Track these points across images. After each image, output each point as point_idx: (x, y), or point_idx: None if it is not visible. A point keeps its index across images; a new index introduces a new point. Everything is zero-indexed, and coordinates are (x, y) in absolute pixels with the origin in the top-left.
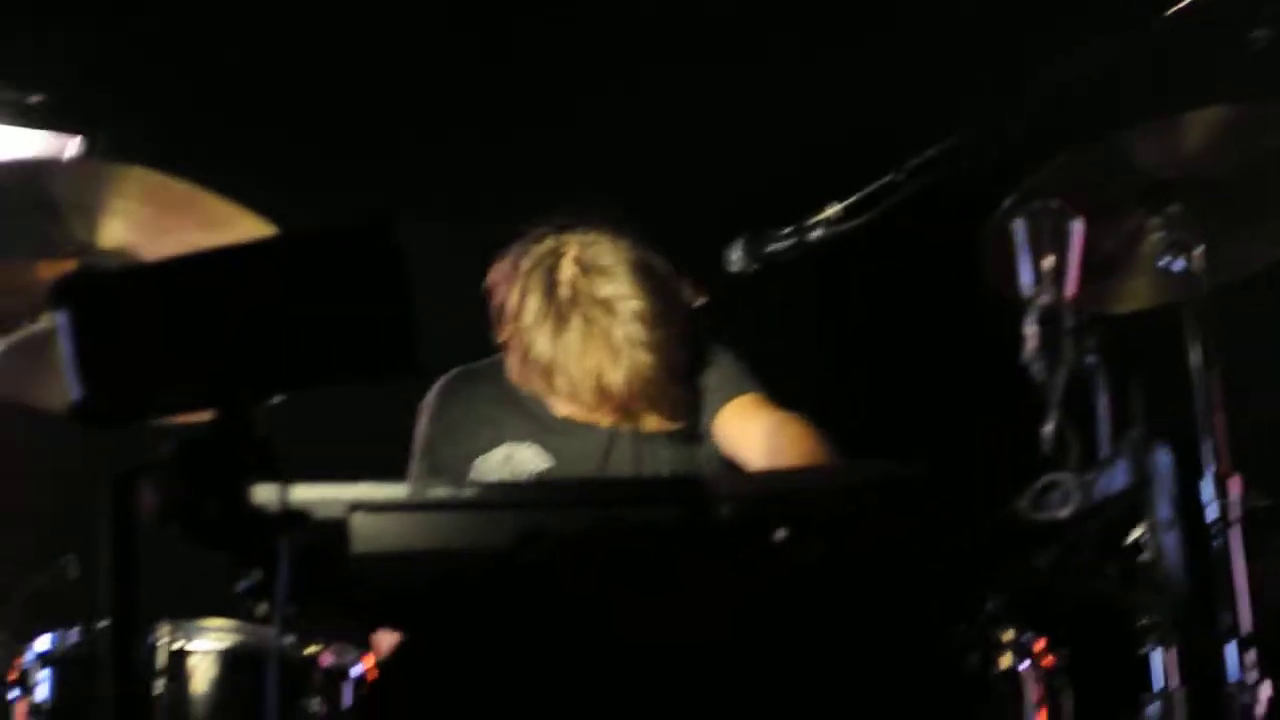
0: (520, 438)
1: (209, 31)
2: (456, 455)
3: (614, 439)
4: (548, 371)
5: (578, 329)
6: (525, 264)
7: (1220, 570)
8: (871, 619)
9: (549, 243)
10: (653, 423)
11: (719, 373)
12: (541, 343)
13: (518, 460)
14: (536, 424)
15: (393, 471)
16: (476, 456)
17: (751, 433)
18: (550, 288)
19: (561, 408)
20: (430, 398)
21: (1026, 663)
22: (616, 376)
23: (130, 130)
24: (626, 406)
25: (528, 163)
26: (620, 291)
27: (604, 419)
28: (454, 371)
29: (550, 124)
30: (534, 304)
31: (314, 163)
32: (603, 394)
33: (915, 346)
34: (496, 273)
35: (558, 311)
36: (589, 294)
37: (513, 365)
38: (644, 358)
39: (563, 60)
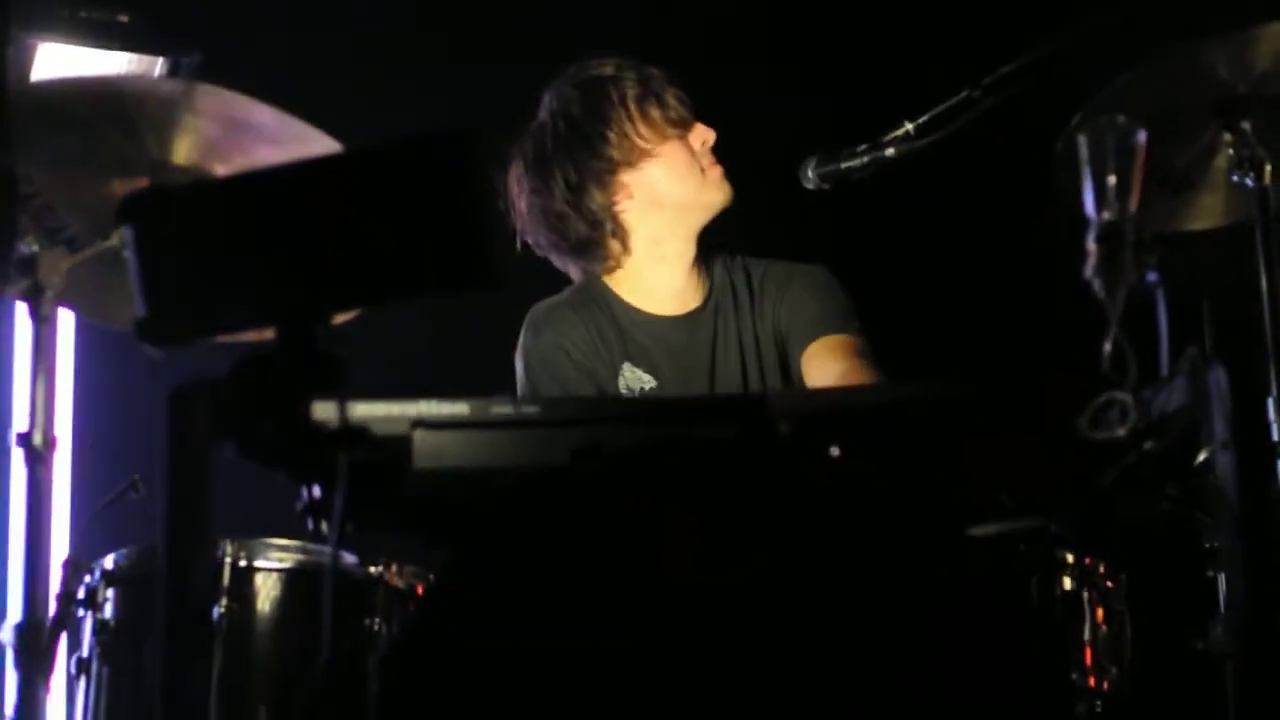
0: (629, 357)
1: None
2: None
3: (691, 338)
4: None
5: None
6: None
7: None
8: (927, 538)
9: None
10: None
11: (824, 304)
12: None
13: (627, 379)
14: (632, 339)
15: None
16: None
17: (822, 376)
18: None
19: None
20: (532, 336)
21: (1087, 587)
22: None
23: (215, 53)
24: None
25: None
26: None
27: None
28: (543, 307)
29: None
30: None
31: (402, 89)
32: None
33: (985, 264)
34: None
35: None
36: None
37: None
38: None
39: None
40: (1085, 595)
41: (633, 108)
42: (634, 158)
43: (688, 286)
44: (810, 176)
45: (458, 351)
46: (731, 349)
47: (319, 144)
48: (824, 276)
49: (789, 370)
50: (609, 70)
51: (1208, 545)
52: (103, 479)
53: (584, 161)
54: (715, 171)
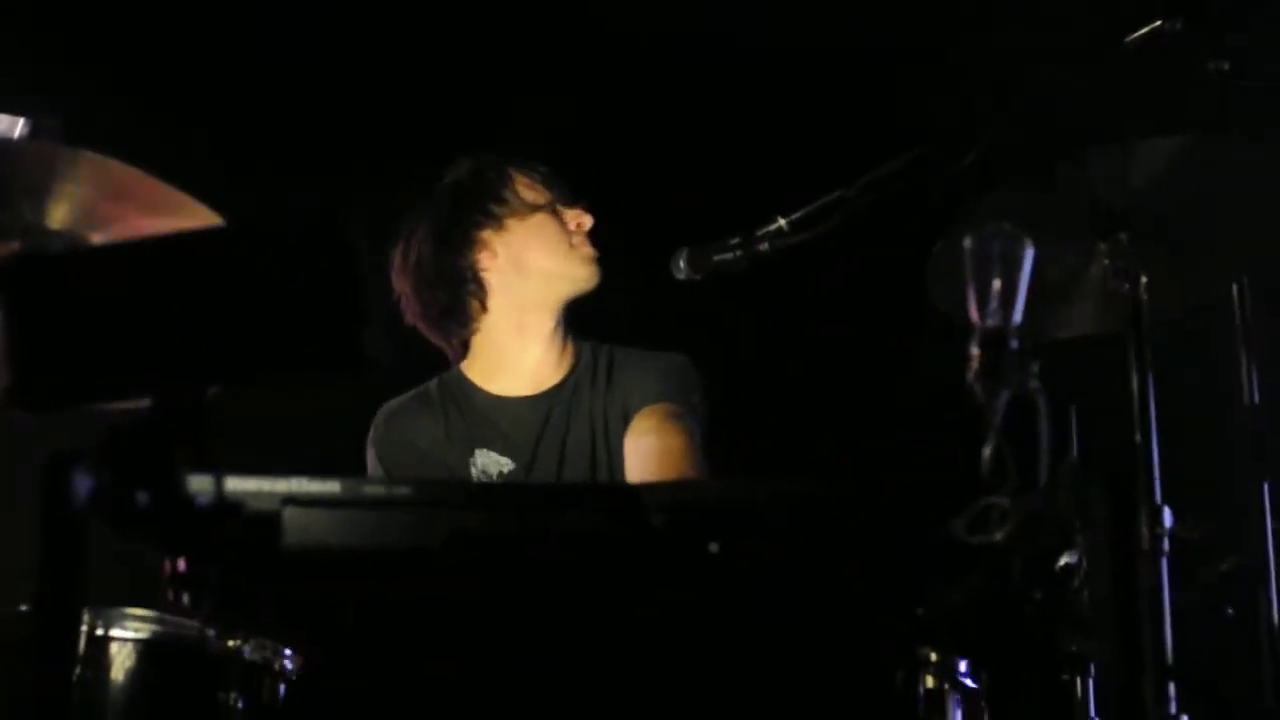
0: (485, 443)
1: (164, 13)
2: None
3: (548, 417)
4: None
5: None
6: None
7: (1147, 601)
8: (800, 633)
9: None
10: None
11: (664, 380)
12: None
13: (481, 465)
14: (487, 423)
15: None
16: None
17: (635, 439)
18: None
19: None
20: (381, 431)
21: (949, 685)
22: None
23: (80, 112)
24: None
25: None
26: None
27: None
28: (392, 405)
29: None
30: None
31: (271, 153)
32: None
33: (860, 363)
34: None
35: None
36: None
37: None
38: None
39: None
40: (948, 693)
41: (513, 173)
42: (502, 221)
43: (546, 362)
44: (681, 268)
45: (332, 430)
46: (584, 427)
47: (198, 216)
48: (678, 360)
49: None
50: (498, 157)
51: (1066, 650)
52: None
53: (454, 219)
54: (585, 249)
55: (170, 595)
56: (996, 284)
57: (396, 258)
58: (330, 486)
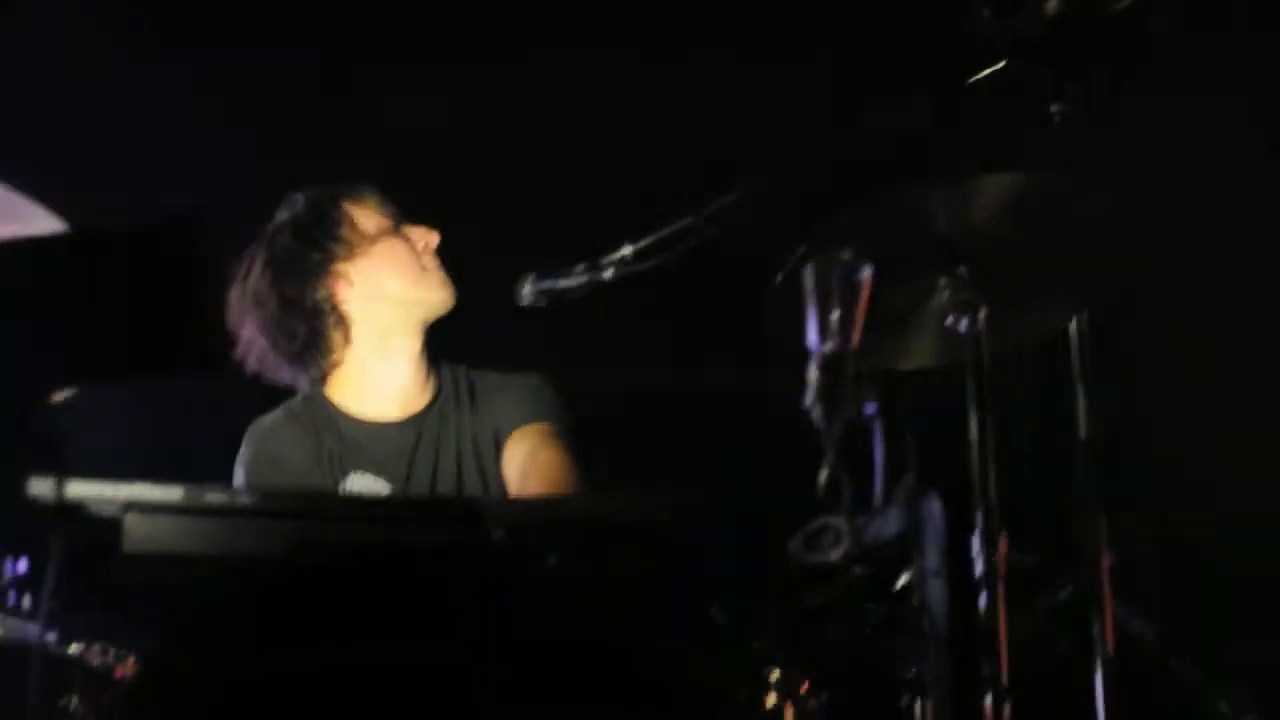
0: (358, 466)
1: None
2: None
3: (418, 440)
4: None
5: None
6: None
7: (983, 623)
8: (636, 650)
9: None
10: None
11: (530, 400)
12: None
13: (356, 488)
14: (358, 449)
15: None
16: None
17: (513, 460)
18: None
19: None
20: (252, 448)
21: (790, 702)
22: None
23: None
24: None
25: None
26: None
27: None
28: (264, 421)
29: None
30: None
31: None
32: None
33: (701, 388)
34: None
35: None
36: None
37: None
38: None
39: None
40: (787, 712)
41: (349, 206)
42: (352, 251)
43: (413, 386)
44: (526, 293)
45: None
46: (451, 450)
47: (44, 222)
48: (537, 379)
49: None
50: (330, 188)
51: (904, 672)
52: None
53: (305, 258)
54: (436, 272)
55: (10, 597)
56: (836, 310)
57: (234, 299)
58: (172, 494)
